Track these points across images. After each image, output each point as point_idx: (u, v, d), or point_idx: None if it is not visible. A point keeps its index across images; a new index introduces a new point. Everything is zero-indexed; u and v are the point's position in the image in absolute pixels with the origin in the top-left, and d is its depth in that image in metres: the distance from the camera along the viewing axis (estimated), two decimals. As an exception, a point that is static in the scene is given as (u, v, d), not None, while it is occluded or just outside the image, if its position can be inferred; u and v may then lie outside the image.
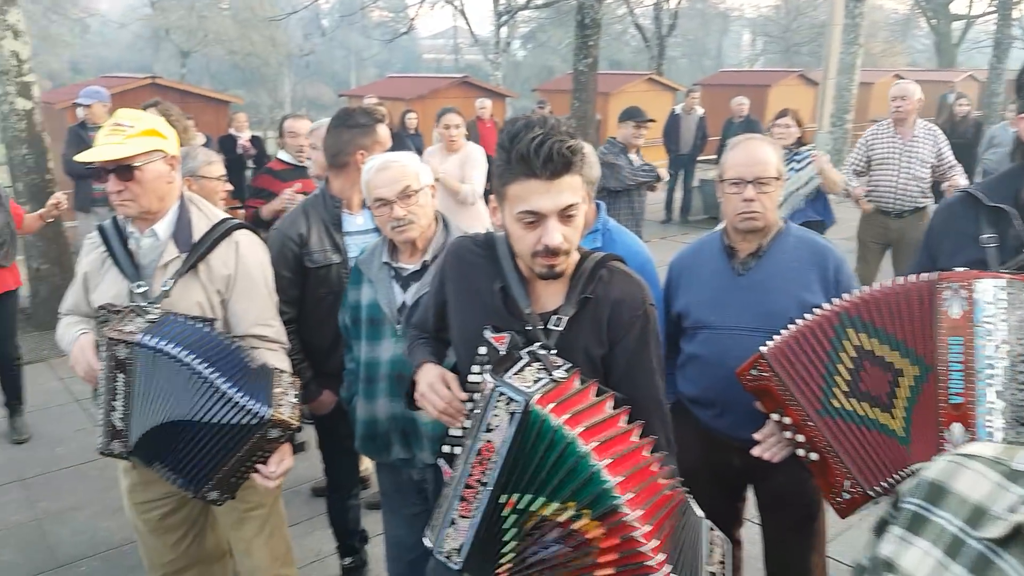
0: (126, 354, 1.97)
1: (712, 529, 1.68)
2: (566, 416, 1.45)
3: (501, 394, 1.46)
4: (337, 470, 3.08)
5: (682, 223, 11.45)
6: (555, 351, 1.64)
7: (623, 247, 2.51)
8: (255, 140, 8.93)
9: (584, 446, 1.42)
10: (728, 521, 2.49)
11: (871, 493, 1.84)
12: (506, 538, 1.52)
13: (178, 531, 2.41)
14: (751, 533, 2.63)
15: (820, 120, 13.38)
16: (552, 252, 1.59)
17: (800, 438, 1.94)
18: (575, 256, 1.73)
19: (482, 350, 1.69)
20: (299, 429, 2.06)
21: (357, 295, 2.41)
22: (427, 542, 1.61)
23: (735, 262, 2.28)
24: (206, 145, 8.43)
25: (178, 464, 2.05)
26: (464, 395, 1.74)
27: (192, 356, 1.95)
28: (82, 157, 2.07)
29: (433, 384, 1.75)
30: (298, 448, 2.07)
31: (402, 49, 41.78)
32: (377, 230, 2.74)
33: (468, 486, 1.51)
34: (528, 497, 1.48)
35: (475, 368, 1.71)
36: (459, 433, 1.75)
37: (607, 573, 1.44)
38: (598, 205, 2.64)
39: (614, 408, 1.57)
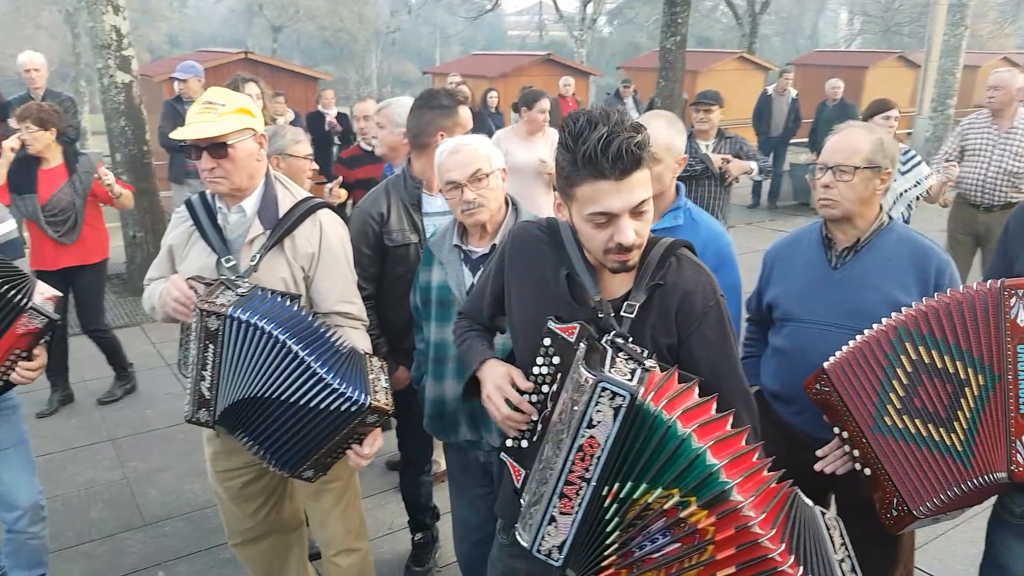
0: (217, 325, 2.01)
1: (824, 513, 1.65)
2: (663, 402, 1.44)
3: (604, 389, 1.43)
4: (410, 446, 3.12)
5: (770, 209, 11.10)
6: (632, 339, 1.61)
7: (704, 227, 2.46)
8: (341, 117, 9.06)
9: (685, 428, 1.41)
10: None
11: (916, 514, 1.83)
12: (608, 529, 1.50)
13: (257, 500, 2.48)
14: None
15: (920, 105, 12.73)
16: (626, 249, 1.56)
17: (856, 452, 1.93)
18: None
19: (547, 341, 1.64)
20: (394, 414, 2.08)
21: (428, 276, 2.43)
22: (523, 542, 1.59)
23: (831, 254, 2.20)
24: (294, 122, 8.63)
25: (267, 442, 2.10)
26: (529, 409, 1.68)
27: (285, 333, 1.98)
28: (176, 135, 2.11)
29: (502, 387, 1.70)
30: (386, 426, 2.10)
31: (487, 26, 41.74)
32: None
33: (569, 483, 1.49)
34: (630, 485, 1.46)
35: (539, 360, 1.66)
36: (525, 426, 1.71)
37: (729, 573, 1.41)
38: (678, 185, 2.57)
39: (701, 396, 1.54)
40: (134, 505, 3.72)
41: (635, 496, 1.45)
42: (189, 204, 2.32)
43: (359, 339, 2.30)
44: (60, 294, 2.40)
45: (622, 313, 1.64)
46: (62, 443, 4.34)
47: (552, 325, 1.61)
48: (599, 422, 1.44)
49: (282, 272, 2.23)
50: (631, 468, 1.45)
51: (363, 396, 1.99)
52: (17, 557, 2.76)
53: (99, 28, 6.54)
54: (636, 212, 1.55)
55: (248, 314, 1.99)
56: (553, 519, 1.52)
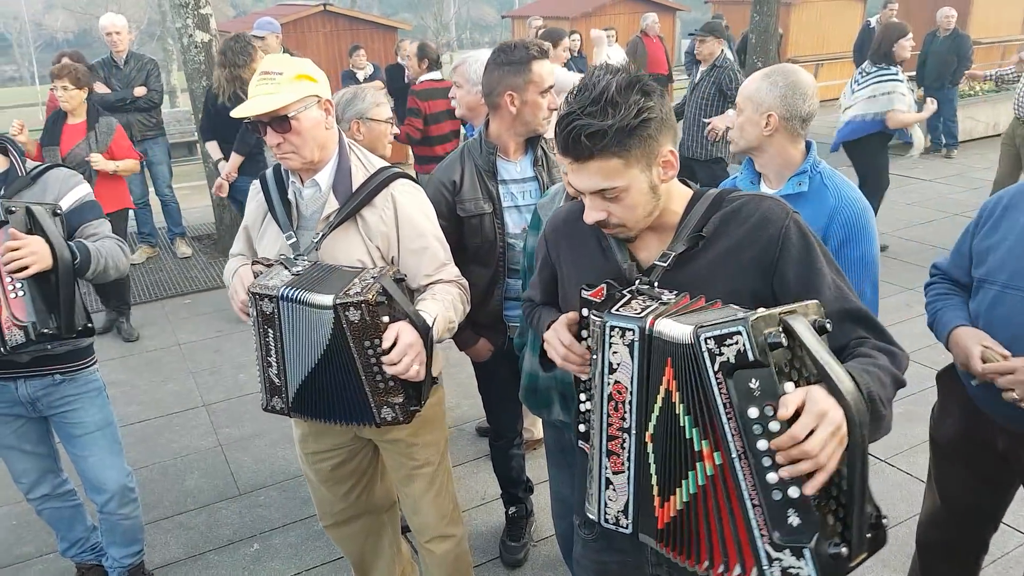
0: (271, 309, 1.88)
1: None
2: None
3: (613, 328, 1.37)
4: (498, 418, 2.97)
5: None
6: (658, 285, 1.49)
7: (834, 193, 2.17)
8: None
9: None
10: (982, 518, 2.18)
11: None
12: (652, 472, 1.38)
13: (348, 482, 2.37)
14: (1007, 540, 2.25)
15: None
16: (603, 225, 1.51)
17: None
18: (685, 197, 1.57)
19: (584, 311, 1.53)
20: (375, 303, 1.81)
21: (535, 240, 2.23)
22: (591, 515, 1.48)
23: None
24: (373, 75, 8.49)
25: (336, 410, 1.97)
26: (580, 350, 1.55)
27: (316, 295, 1.83)
28: (236, 113, 1.96)
29: (558, 330, 1.61)
30: (433, 382, 1.96)
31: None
32: (536, 178, 2.58)
33: (611, 437, 1.41)
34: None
35: (584, 333, 1.56)
36: (589, 405, 1.57)
37: None
38: (808, 143, 2.27)
39: None
40: (228, 473, 3.72)
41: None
42: (262, 179, 2.17)
43: (443, 290, 2.11)
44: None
45: (656, 262, 1.52)
46: (159, 409, 4.40)
47: (584, 293, 1.52)
48: (619, 364, 1.37)
49: (357, 251, 2.06)
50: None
51: (327, 299, 1.80)
52: (112, 536, 2.76)
53: (176, -12, 6.48)
54: (604, 197, 1.46)
55: (295, 291, 1.84)
56: (609, 482, 1.43)
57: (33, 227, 2.18)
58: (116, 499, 2.64)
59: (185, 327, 5.43)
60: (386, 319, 1.84)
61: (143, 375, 4.83)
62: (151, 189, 6.97)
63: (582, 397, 1.60)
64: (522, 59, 2.44)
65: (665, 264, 1.50)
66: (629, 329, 1.34)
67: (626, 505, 1.41)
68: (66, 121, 4.96)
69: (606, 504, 1.44)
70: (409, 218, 2.10)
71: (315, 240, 2.04)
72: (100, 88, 6.30)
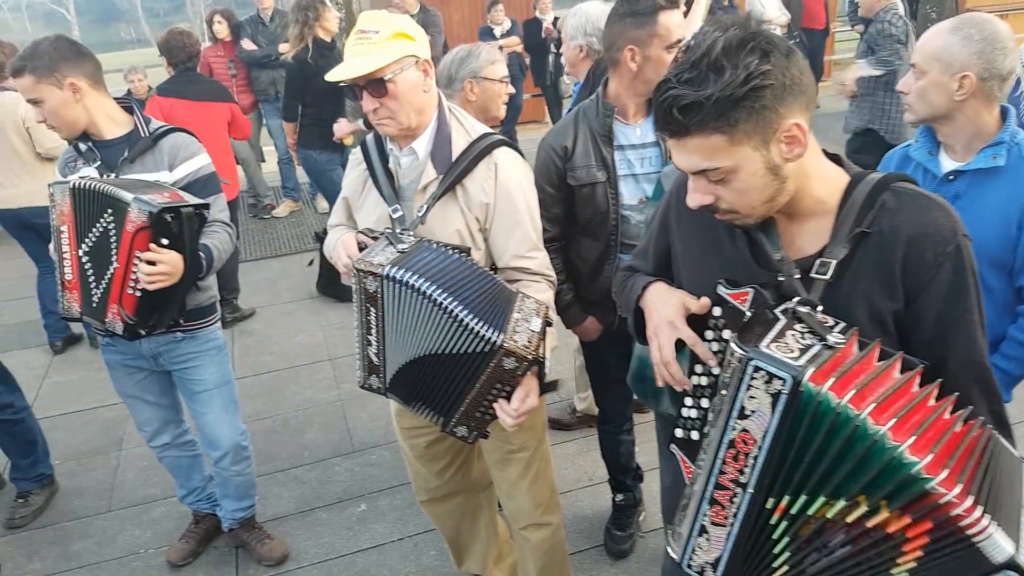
0: (375, 287, 1.78)
1: None
2: (850, 392, 1.10)
3: (757, 369, 1.13)
4: (605, 401, 2.80)
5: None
6: (821, 308, 1.24)
7: None
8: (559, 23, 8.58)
9: (877, 426, 1.08)
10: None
11: None
12: (776, 549, 1.22)
13: (443, 459, 2.30)
14: None
15: None
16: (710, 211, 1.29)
17: None
18: (835, 182, 1.30)
19: (716, 311, 1.34)
20: (538, 363, 1.73)
21: None
22: (672, 554, 1.34)
23: None
24: (511, 31, 8.31)
25: (429, 399, 1.87)
26: (705, 353, 1.34)
27: (434, 287, 1.71)
28: (330, 77, 1.85)
29: (673, 321, 1.37)
30: (548, 387, 1.82)
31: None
32: (658, 144, 2.34)
33: (720, 486, 1.23)
34: (804, 499, 1.17)
35: (708, 334, 1.36)
36: (694, 413, 1.39)
37: (915, 556, 1.12)
38: (1004, 109, 1.91)
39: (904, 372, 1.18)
40: (345, 429, 3.78)
41: (811, 511, 1.16)
42: (364, 146, 2.07)
43: (537, 293, 1.95)
44: (191, 199, 2.25)
45: (813, 274, 1.26)
46: (287, 360, 4.54)
47: (723, 290, 1.31)
48: (753, 412, 1.16)
49: (456, 224, 1.93)
50: (805, 476, 1.15)
51: (495, 334, 1.67)
52: (225, 489, 2.84)
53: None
54: (711, 179, 1.24)
55: (402, 272, 1.72)
56: (704, 530, 1.27)
57: (181, 233, 2.19)
58: (230, 456, 2.71)
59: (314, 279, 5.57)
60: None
61: (277, 326, 5.01)
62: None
63: (688, 401, 1.41)
64: (647, 9, 2.20)
65: (826, 276, 1.25)
66: (779, 378, 1.12)
67: (717, 560, 1.26)
68: None
69: (694, 550, 1.28)
70: (507, 191, 1.94)
71: (419, 214, 1.93)
72: (248, 45, 6.53)
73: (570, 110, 3.18)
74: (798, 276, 1.27)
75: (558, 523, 2.32)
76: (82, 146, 2.36)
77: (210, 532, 3.03)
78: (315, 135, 5.14)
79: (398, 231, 1.88)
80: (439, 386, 1.81)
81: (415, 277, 1.71)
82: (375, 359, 1.88)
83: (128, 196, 2.10)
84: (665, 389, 2.00)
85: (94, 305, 2.25)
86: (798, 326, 1.19)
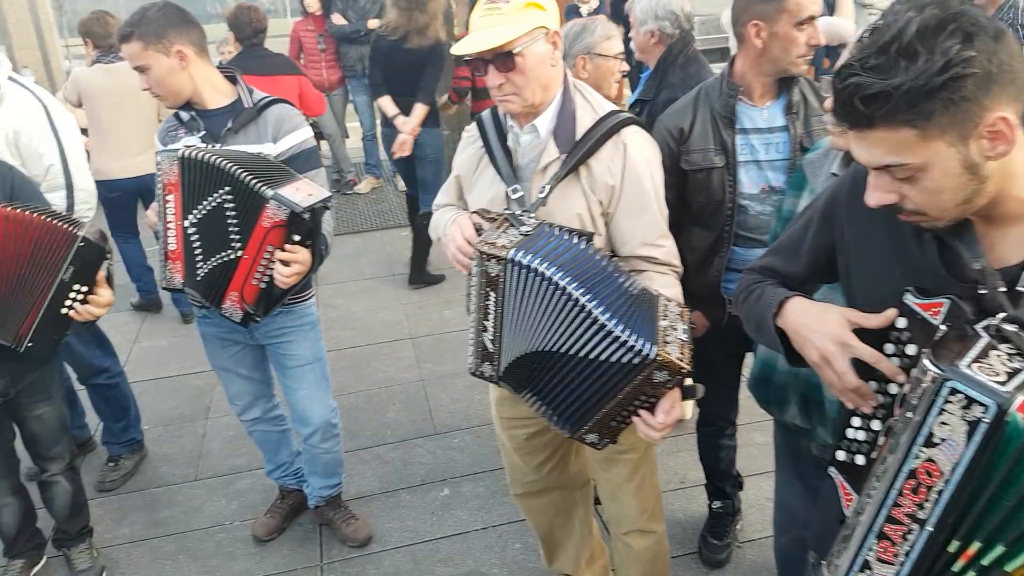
0: (497, 271, 1.67)
1: None
2: None
3: (954, 392, 0.99)
4: (708, 402, 2.63)
5: None
6: None
7: None
8: None
9: None
10: None
11: None
12: None
13: (542, 454, 2.20)
14: None
15: None
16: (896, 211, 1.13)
17: None
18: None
19: (901, 322, 1.18)
20: (689, 373, 1.61)
21: (794, 205, 1.86)
22: None
23: None
24: (598, 9, 8.08)
25: (551, 399, 1.76)
26: (891, 368, 1.16)
27: (567, 278, 1.59)
28: (456, 50, 1.75)
29: (844, 340, 1.20)
30: (689, 393, 1.68)
31: None
32: (787, 128, 2.17)
33: (893, 520, 1.09)
34: (1000, 549, 1.02)
35: (888, 348, 1.20)
36: (862, 435, 1.23)
37: None
38: None
39: None
40: (427, 410, 3.73)
41: (1010, 567, 1.02)
42: (480, 121, 1.97)
43: (665, 287, 1.82)
44: (325, 193, 2.18)
45: (1021, 287, 1.10)
46: (369, 337, 4.53)
47: (911, 300, 1.15)
48: (944, 440, 1.01)
49: (577, 206, 1.82)
50: (1004, 523, 1.01)
51: (647, 346, 1.55)
52: (313, 466, 2.81)
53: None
54: (896, 176, 1.09)
55: (529, 257, 1.61)
56: (867, 565, 1.14)
57: (312, 230, 2.13)
58: (319, 433, 2.68)
59: (402, 258, 5.55)
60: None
61: (360, 302, 5.00)
62: (378, 121, 7.18)
63: (856, 422, 1.25)
64: None
65: None
66: (980, 404, 0.97)
67: None
68: None
69: None
70: (636, 173, 1.81)
71: (541, 195, 1.82)
72: (337, 20, 6.51)
73: (633, 103, 3.01)
74: (1003, 289, 1.10)
75: (662, 532, 2.20)
76: (184, 115, 2.31)
77: (296, 508, 3.02)
78: (434, 112, 4.97)
79: (518, 212, 1.77)
80: (568, 388, 1.70)
81: (544, 264, 1.60)
82: (490, 346, 1.79)
83: (268, 192, 2.04)
84: (793, 398, 1.86)
85: (198, 279, 2.21)
86: (1003, 346, 1.03)
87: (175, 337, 4.62)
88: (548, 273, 1.60)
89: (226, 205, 2.12)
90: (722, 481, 2.75)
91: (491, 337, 1.77)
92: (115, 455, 3.40)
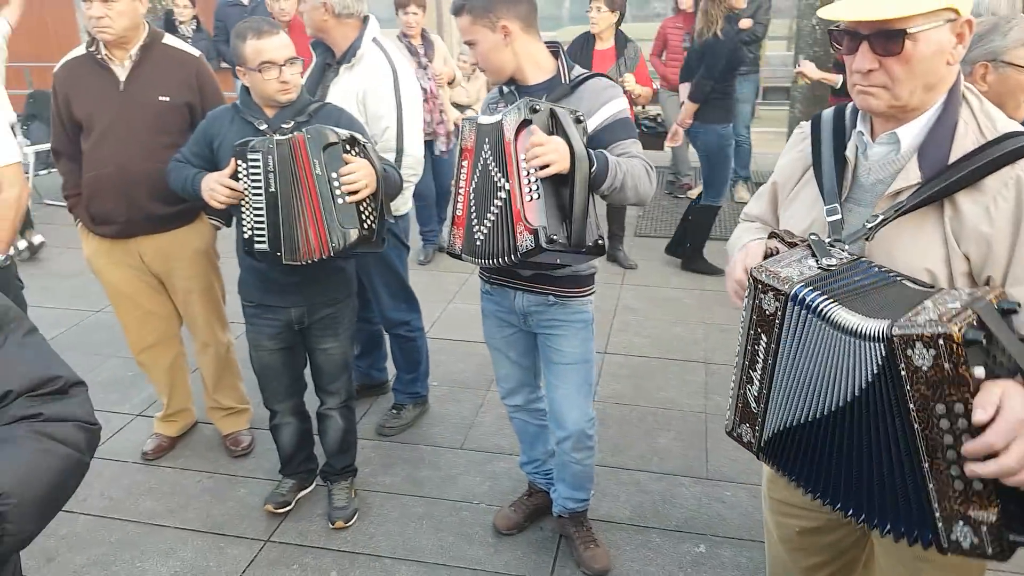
0: (773, 308, 1.33)
1: None
2: None
3: None
4: None
5: None
6: None
7: None
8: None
9: None
10: None
11: None
12: None
13: (815, 556, 1.77)
14: None
15: None
16: None
17: None
18: None
19: None
20: (970, 342, 1.12)
21: None
22: None
23: None
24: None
25: (845, 489, 1.34)
26: None
27: (852, 315, 1.22)
28: (829, 12, 1.37)
29: None
30: None
31: None
32: None
33: None
34: None
35: None
36: None
37: None
38: None
39: None
40: (703, 448, 3.37)
41: None
42: (815, 121, 1.59)
43: None
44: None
45: None
46: (659, 350, 4.26)
47: None
48: None
49: (928, 257, 1.36)
50: None
51: (880, 325, 1.19)
52: (561, 472, 2.66)
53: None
54: None
55: (815, 295, 1.25)
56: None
57: (555, 128, 2.02)
58: (571, 440, 2.51)
59: (718, 276, 5.17)
60: (980, 372, 1.13)
61: (660, 310, 4.75)
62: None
63: None
64: None
65: None
66: None
67: None
68: (595, 47, 4.98)
69: None
70: None
71: (870, 225, 1.40)
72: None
73: None
74: None
75: None
76: (505, 89, 2.32)
77: (540, 509, 2.89)
78: (719, 108, 5.02)
79: (828, 240, 1.39)
80: (862, 461, 1.29)
81: (841, 310, 1.23)
82: (753, 404, 1.44)
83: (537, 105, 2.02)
84: None
85: (477, 244, 2.17)
86: None
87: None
88: (837, 317, 1.22)
89: (488, 159, 2.11)
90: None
91: (756, 392, 1.42)
92: (399, 403, 3.58)
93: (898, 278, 1.34)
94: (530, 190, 2.02)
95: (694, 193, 6.82)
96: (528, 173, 2.01)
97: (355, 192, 2.36)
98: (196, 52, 3.00)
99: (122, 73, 2.80)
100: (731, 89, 5.07)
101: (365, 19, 3.05)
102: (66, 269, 5.49)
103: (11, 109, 3.70)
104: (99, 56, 2.79)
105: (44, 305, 4.82)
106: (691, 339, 4.38)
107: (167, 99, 2.82)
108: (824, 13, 1.39)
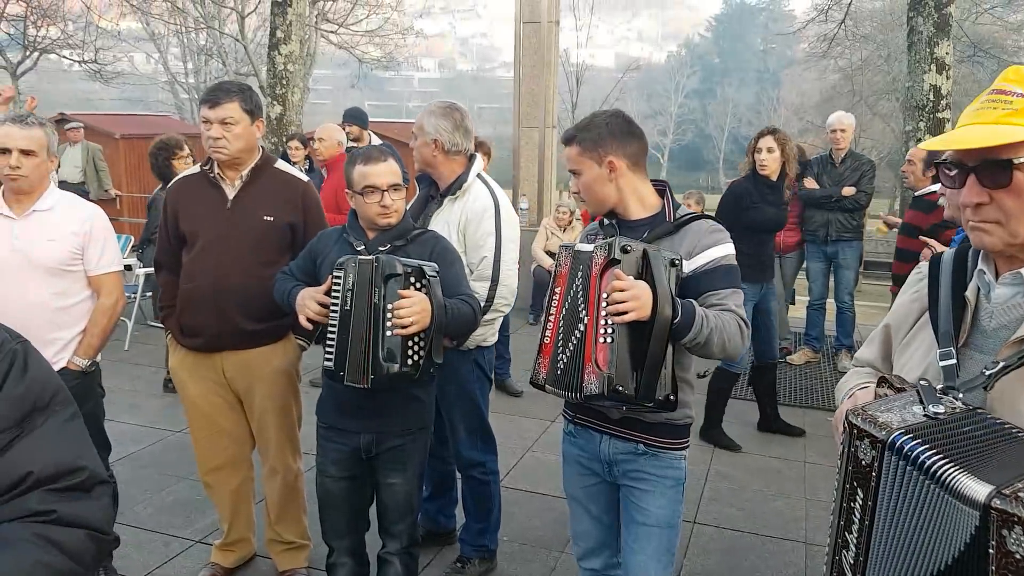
0: (869, 458, 1.15)
1: None
2: None
3: None
4: None
5: None
6: None
7: None
8: None
9: None
10: None
11: None
12: None
13: None
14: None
15: None
16: None
17: None
18: None
19: None
20: None
21: None
22: None
23: None
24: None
25: None
26: None
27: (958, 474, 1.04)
28: (931, 144, 1.29)
29: None
30: None
31: None
32: None
33: None
34: None
35: None
36: None
37: None
38: None
39: None
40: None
41: None
42: (935, 259, 1.46)
43: None
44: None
45: None
46: (753, 523, 3.86)
47: None
48: None
49: None
50: None
51: (983, 491, 1.02)
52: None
53: (916, 87, 5.96)
54: None
55: (917, 443, 1.09)
56: None
57: (644, 272, 1.94)
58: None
59: (819, 446, 4.78)
60: None
61: (757, 481, 4.37)
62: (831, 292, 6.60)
63: None
64: None
65: None
66: None
67: None
68: None
69: None
70: None
71: (989, 372, 1.22)
72: (810, 184, 6.21)
73: None
74: None
75: None
76: (606, 221, 2.28)
77: None
78: (744, 266, 4.54)
79: (940, 387, 1.22)
80: None
81: (943, 462, 1.05)
82: (848, 570, 1.20)
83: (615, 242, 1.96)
84: None
85: (559, 373, 2.04)
86: None
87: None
88: (951, 479, 1.04)
89: (578, 288, 2.03)
90: None
91: (852, 558, 1.21)
92: (465, 556, 3.32)
93: (1021, 434, 1.14)
94: (604, 332, 1.94)
95: (794, 358, 6.52)
96: (606, 314, 1.93)
97: (404, 327, 2.30)
98: (304, 177, 3.12)
99: (231, 192, 2.91)
100: (759, 248, 4.61)
101: (471, 156, 3.13)
102: (159, 389, 5.62)
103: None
104: (212, 175, 2.92)
105: (129, 422, 4.88)
106: (791, 516, 3.97)
107: (271, 218, 2.90)
108: (928, 145, 1.33)
